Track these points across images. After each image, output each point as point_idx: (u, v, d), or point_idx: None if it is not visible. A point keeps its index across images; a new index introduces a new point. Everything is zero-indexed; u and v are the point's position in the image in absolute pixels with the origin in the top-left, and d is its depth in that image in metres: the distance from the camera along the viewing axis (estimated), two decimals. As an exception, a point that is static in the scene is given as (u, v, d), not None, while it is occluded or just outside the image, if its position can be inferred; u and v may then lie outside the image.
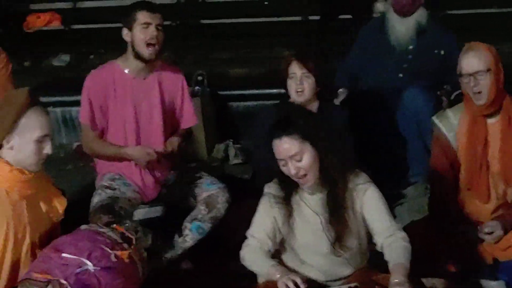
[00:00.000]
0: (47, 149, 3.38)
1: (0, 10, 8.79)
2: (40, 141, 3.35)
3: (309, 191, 3.55)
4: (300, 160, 3.42)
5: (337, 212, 3.52)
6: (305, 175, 3.46)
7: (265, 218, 3.57)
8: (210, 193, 4.34)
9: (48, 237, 3.48)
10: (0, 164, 3.35)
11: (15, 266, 3.37)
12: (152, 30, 4.22)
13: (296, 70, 4.43)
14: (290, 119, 3.48)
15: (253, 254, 3.55)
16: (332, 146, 3.52)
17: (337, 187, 3.53)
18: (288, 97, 4.54)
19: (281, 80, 4.60)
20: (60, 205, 3.60)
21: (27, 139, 3.34)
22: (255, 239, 3.56)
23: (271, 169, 3.60)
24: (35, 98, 3.40)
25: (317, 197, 3.56)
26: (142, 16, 4.24)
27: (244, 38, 8.30)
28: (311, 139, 3.44)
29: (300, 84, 4.43)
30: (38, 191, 3.48)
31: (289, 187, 3.56)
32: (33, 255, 3.40)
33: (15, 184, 3.36)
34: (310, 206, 3.57)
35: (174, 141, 4.38)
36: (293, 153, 3.40)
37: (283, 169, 3.48)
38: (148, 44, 4.23)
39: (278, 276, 3.38)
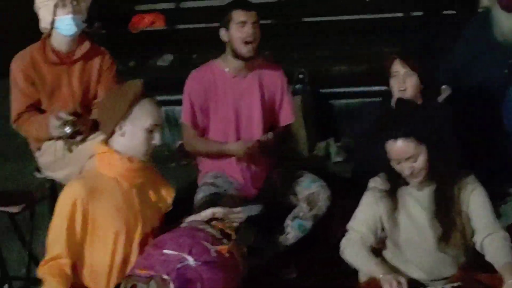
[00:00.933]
0: (156, 139, 3.46)
1: (106, 11, 8.96)
2: (150, 131, 3.43)
3: (417, 187, 3.54)
4: (415, 161, 3.43)
5: (445, 208, 3.53)
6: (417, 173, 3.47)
7: (367, 212, 3.59)
8: (311, 191, 4.34)
9: (158, 227, 3.58)
10: (110, 153, 3.45)
11: (126, 260, 3.46)
12: (248, 28, 4.27)
13: (399, 68, 4.38)
14: (405, 120, 3.49)
15: (354, 248, 3.56)
16: (441, 143, 3.51)
17: (446, 183, 3.53)
18: (391, 95, 4.50)
19: (384, 77, 4.56)
20: (168, 195, 3.69)
21: (139, 127, 3.43)
22: (356, 233, 3.58)
23: (373, 167, 3.60)
24: (145, 91, 3.48)
25: (424, 193, 3.57)
26: (238, 15, 4.29)
27: (345, 36, 8.23)
28: (425, 140, 3.44)
29: (403, 83, 4.37)
30: (147, 181, 3.57)
31: (396, 181, 3.58)
32: (143, 246, 3.47)
33: (124, 173, 3.46)
34: (417, 201, 3.57)
35: (270, 134, 4.40)
36: (409, 155, 3.43)
37: (396, 167, 3.49)
38: (246, 42, 4.27)
39: (381, 275, 3.37)
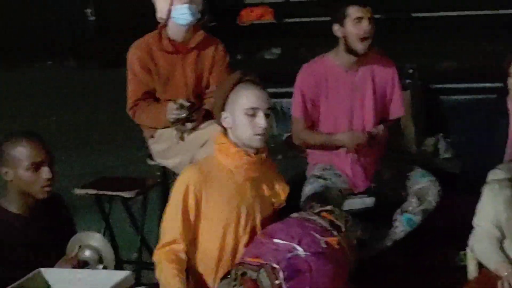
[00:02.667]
0: (260, 122, 3.36)
1: (216, 4, 9.09)
2: (250, 114, 3.37)
3: None
4: None
5: None
6: None
7: (488, 207, 3.56)
8: (421, 185, 4.30)
9: (268, 221, 3.54)
10: (228, 144, 3.44)
11: (235, 249, 3.47)
12: (365, 25, 4.24)
13: None
14: None
15: (482, 244, 3.56)
16: None
17: None
18: (506, 93, 4.36)
19: (496, 74, 4.46)
20: (282, 191, 3.66)
21: (237, 113, 3.40)
22: (482, 228, 3.56)
23: (486, 162, 3.57)
24: (249, 77, 3.45)
25: None
26: (354, 11, 4.25)
27: (456, 31, 8.12)
28: None
29: None
30: (262, 175, 3.55)
31: None
32: (252, 239, 3.48)
33: (240, 166, 3.44)
34: None
35: (381, 126, 4.38)
36: None
37: None
38: (362, 39, 4.24)
39: (505, 274, 3.37)
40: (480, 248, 3.56)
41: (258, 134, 3.39)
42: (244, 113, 3.38)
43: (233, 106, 3.41)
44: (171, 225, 3.39)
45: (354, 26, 4.24)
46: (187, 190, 3.36)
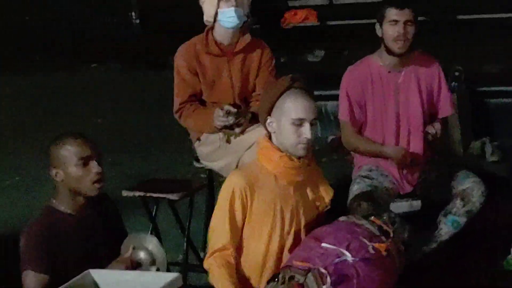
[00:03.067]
0: (306, 133, 3.38)
1: (259, 6, 9.13)
2: (297, 124, 3.38)
3: None
4: None
5: None
6: None
7: None
8: (465, 186, 4.27)
9: (313, 225, 3.56)
10: (272, 150, 3.46)
11: (280, 252, 3.49)
12: (400, 27, 4.23)
13: None
14: None
15: None
16: None
17: None
18: None
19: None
20: (327, 194, 3.66)
21: (283, 121, 3.40)
22: None
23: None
24: (299, 84, 3.45)
25: None
26: (390, 13, 4.26)
27: (502, 34, 8.05)
28: None
29: None
30: (306, 179, 3.55)
31: None
32: (296, 242, 3.49)
33: (284, 170, 3.45)
34: None
35: (438, 125, 4.35)
36: None
37: None
38: (397, 40, 4.24)
39: None
40: None
41: (302, 144, 3.40)
42: (290, 122, 3.39)
43: (280, 113, 3.42)
44: (219, 232, 3.42)
45: (390, 27, 4.25)
46: (233, 196, 3.39)
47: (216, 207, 3.49)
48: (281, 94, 3.42)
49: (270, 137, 3.51)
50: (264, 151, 3.50)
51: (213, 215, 3.49)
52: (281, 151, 3.44)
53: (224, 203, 3.40)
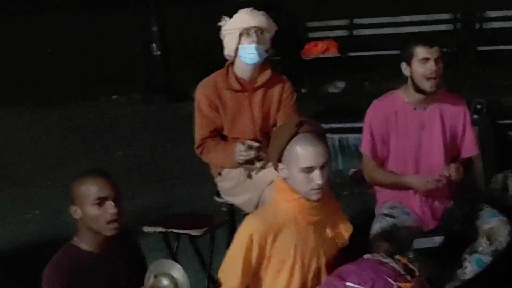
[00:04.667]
0: (317, 179, 3.36)
1: (280, 38, 9.18)
2: (307, 172, 3.37)
3: None
4: None
5: None
6: None
7: None
8: (491, 225, 4.23)
9: (333, 262, 3.55)
10: (289, 191, 3.44)
11: None
12: (431, 65, 4.20)
13: None
14: None
15: None
16: None
17: None
18: None
19: None
20: (345, 231, 3.64)
21: (293, 169, 3.39)
22: None
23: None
24: (306, 128, 3.42)
25: None
26: (421, 51, 4.23)
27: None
28: None
29: None
30: (325, 217, 3.54)
31: None
32: (318, 280, 3.48)
33: (302, 211, 3.45)
34: None
35: (452, 167, 4.31)
36: None
37: None
38: (428, 78, 4.22)
39: None
40: None
41: (314, 189, 3.39)
42: (300, 170, 3.37)
43: (289, 161, 3.41)
44: (230, 273, 3.42)
45: (421, 66, 4.21)
46: (250, 240, 3.37)
47: (230, 249, 3.47)
48: (289, 141, 3.40)
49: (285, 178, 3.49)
50: (282, 192, 3.48)
51: (227, 253, 3.48)
52: (298, 193, 3.43)
53: (239, 247, 3.39)
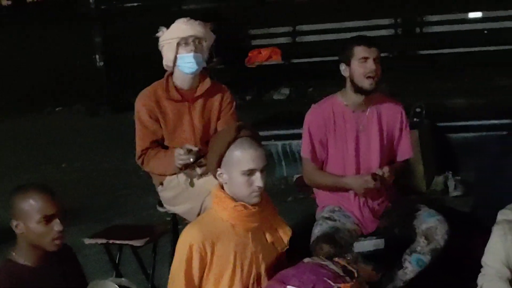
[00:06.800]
0: (258, 182, 3.40)
1: (223, 47, 9.19)
2: (248, 174, 3.40)
3: None
4: None
5: None
6: None
7: (498, 246, 3.56)
8: (429, 225, 4.29)
9: (273, 267, 3.56)
10: (226, 199, 3.46)
11: None
12: (370, 64, 4.27)
13: None
14: None
15: (491, 284, 3.54)
16: None
17: None
18: None
19: (505, 111, 4.46)
20: (285, 235, 3.65)
21: (233, 173, 3.42)
22: (491, 268, 3.55)
23: (496, 200, 3.57)
24: (245, 132, 3.46)
25: None
26: (360, 51, 4.29)
27: (462, 68, 8.16)
28: None
29: None
30: (263, 223, 3.55)
31: None
32: (259, 286, 3.50)
33: (239, 218, 3.46)
34: None
35: (386, 168, 4.38)
36: None
37: None
38: (368, 77, 4.28)
39: None
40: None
41: (255, 192, 3.42)
42: (241, 174, 3.40)
43: (229, 165, 3.43)
44: (176, 285, 3.41)
45: (360, 65, 4.27)
46: (190, 251, 3.38)
47: (173, 262, 3.47)
48: (228, 145, 3.43)
49: (222, 186, 3.51)
50: (219, 201, 3.50)
51: (171, 266, 3.48)
52: (235, 200, 3.45)
53: (181, 261, 3.39)
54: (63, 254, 3.39)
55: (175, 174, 4.50)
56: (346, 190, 4.40)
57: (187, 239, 3.40)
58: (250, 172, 3.39)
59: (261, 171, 3.41)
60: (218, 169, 3.47)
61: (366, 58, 4.27)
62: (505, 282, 3.52)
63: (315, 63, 9.75)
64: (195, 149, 4.37)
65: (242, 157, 3.40)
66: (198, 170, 4.44)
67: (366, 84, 4.28)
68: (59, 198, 3.27)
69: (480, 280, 3.61)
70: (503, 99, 4.43)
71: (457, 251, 4.31)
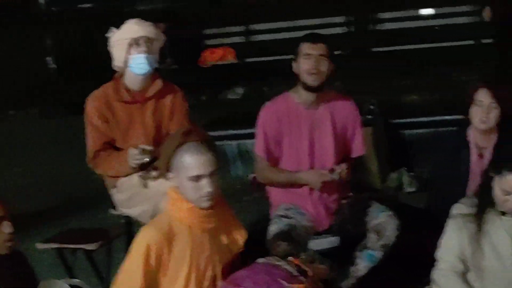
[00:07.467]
0: (206, 187, 3.38)
1: (176, 47, 9.15)
2: (195, 180, 3.39)
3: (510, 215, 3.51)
4: None
5: None
6: None
7: (452, 241, 3.60)
8: (379, 220, 4.32)
9: (229, 268, 3.55)
10: (182, 201, 3.45)
11: None
12: (313, 60, 4.29)
13: (484, 98, 4.17)
14: None
15: (446, 278, 3.58)
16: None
17: None
18: (467, 124, 4.35)
19: (457, 107, 4.48)
20: (240, 236, 3.67)
21: (182, 178, 3.41)
22: (446, 262, 3.58)
23: (450, 196, 3.59)
24: (193, 137, 3.43)
25: None
26: (305, 47, 4.34)
27: (415, 65, 8.21)
28: None
29: (486, 113, 4.17)
30: (219, 224, 3.55)
31: (484, 204, 3.55)
32: (214, 287, 3.49)
33: (195, 219, 3.45)
34: (505, 228, 3.54)
35: (343, 165, 4.39)
36: None
37: (500, 197, 3.46)
38: (310, 73, 4.30)
39: None
40: (447, 282, 3.58)
41: (204, 197, 3.40)
42: (188, 179, 3.39)
43: (177, 170, 3.42)
44: (131, 284, 3.36)
45: (304, 61, 4.31)
46: (148, 251, 3.34)
47: (126, 262, 3.43)
48: (175, 150, 3.41)
49: (177, 188, 3.49)
50: (174, 202, 3.48)
51: (122, 269, 3.44)
52: (190, 202, 3.43)
53: (137, 261, 3.35)
54: (14, 261, 3.35)
55: (129, 175, 4.47)
56: (300, 186, 4.41)
57: (145, 239, 3.38)
58: (197, 178, 3.38)
59: (211, 175, 3.39)
60: (168, 173, 3.45)
61: (309, 55, 4.31)
62: (459, 276, 3.57)
63: (270, 62, 9.76)
64: (149, 148, 4.34)
65: (188, 163, 3.38)
66: (153, 173, 4.40)
67: (309, 80, 4.32)
68: (7, 201, 3.23)
69: (435, 274, 3.65)
70: (456, 95, 4.46)
71: (411, 246, 4.32)
